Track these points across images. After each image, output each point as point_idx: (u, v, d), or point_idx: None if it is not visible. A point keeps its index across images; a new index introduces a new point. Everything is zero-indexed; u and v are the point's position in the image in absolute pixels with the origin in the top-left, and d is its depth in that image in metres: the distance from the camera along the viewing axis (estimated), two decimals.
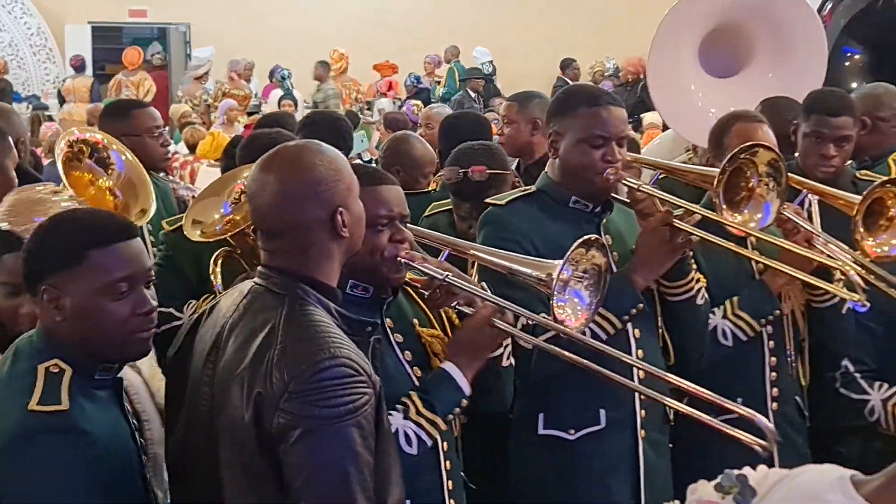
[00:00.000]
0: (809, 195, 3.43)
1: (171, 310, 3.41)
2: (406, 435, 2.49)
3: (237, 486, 2.10)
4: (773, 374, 3.27)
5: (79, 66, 15.19)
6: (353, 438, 2.03)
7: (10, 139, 3.48)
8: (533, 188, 3.10)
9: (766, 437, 2.47)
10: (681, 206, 2.97)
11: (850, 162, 3.97)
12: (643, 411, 2.99)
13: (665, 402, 2.77)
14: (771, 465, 1.92)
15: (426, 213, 3.86)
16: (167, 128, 5.25)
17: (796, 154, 3.83)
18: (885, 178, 3.26)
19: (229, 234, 3.21)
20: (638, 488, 2.98)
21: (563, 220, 2.96)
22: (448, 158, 3.77)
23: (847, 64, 5.59)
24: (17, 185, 3.27)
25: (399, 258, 2.51)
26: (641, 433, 2.99)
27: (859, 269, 3.07)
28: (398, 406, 2.51)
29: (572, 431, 2.96)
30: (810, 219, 3.32)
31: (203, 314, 2.36)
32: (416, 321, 2.68)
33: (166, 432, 2.42)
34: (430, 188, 4.34)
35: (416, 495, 2.42)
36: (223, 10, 16.34)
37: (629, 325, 2.96)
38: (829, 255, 3.11)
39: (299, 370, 2.02)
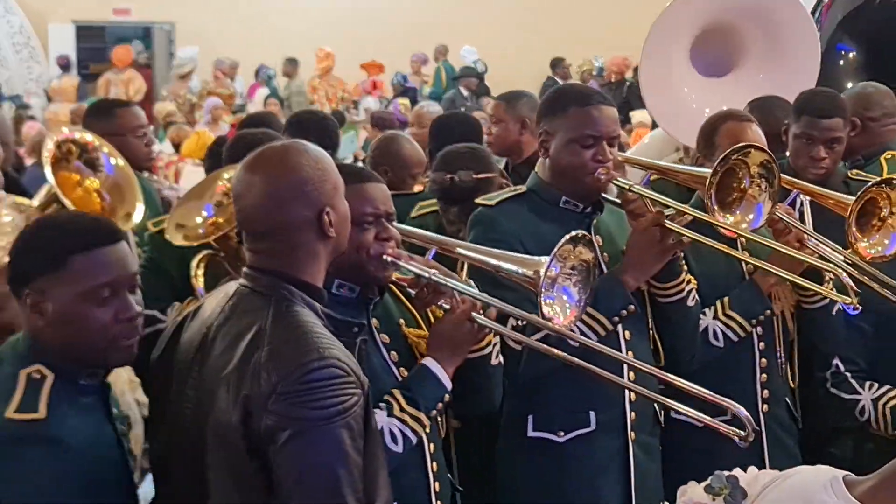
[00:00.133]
0: (801, 195, 3.42)
1: (154, 312, 3.38)
2: (391, 433, 2.48)
3: (224, 489, 2.08)
4: (764, 375, 3.27)
5: (65, 66, 15.13)
6: (343, 439, 2.02)
7: None
8: (523, 188, 3.09)
9: (745, 427, 2.50)
10: (672, 207, 2.96)
11: (841, 162, 3.96)
12: (633, 413, 2.98)
13: (652, 398, 2.78)
14: (761, 463, 1.92)
15: (413, 214, 3.84)
16: (151, 127, 5.21)
17: (787, 153, 3.82)
18: (878, 179, 3.25)
19: (212, 237, 3.18)
20: (628, 491, 2.97)
21: (554, 220, 2.95)
22: (434, 162, 3.75)
23: (841, 63, 5.58)
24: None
25: (385, 256, 2.50)
26: (631, 435, 2.98)
27: (851, 269, 3.07)
28: (381, 404, 2.50)
29: (562, 433, 2.95)
30: (802, 219, 3.32)
31: (187, 316, 2.34)
32: (402, 322, 2.67)
33: (150, 435, 2.39)
34: (419, 190, 4.31)
35: (402, 497, 2.40)
36: (208, 8, 16.31)
37: (619, 327, 2.95)
38: (819, 256, 3.11)
39: (288, 371, 2.01)
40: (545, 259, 2.55)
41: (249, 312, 2.14)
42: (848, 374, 3.35)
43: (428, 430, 2.56)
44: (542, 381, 2.90)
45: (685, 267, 3.09)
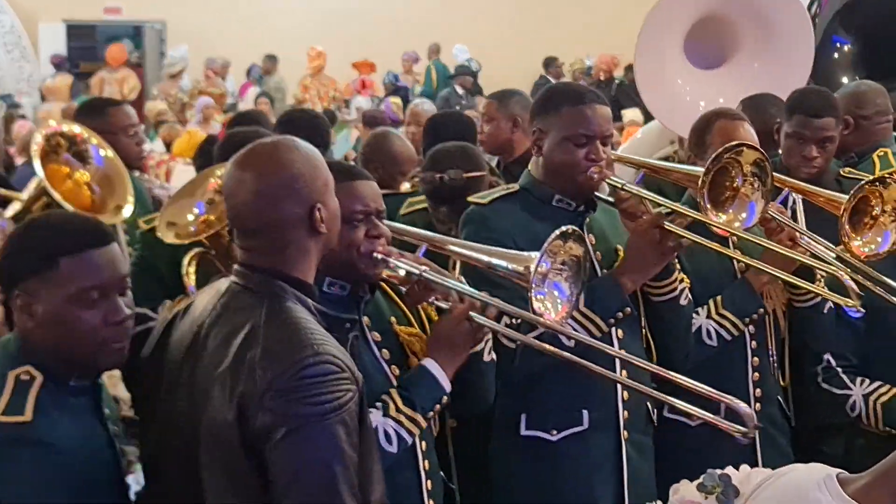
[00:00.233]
0: (793, 193, 3.42)
1: (145, 310, 3.36)
2: (385, 433, 2.47)
3: (219, 487, 2.08)
4: (756, 374, 3.27)
5: (59, 64, 15.07)
6: (339, 436, 2.02)
7: None
8: (516, 186, 3.09)
9: (746, 424, 2.48)
10: (665, 206, 2.95)
11: (834, 160, 3.96)
12: (626, 412, 2.98)
13: (650, 394, 2.79)
14: (754, 461, 1.91)
15: (402, 212, 3.83)
16: (142, 126, 5.21)
17: (780, 151, 3.82)
18: (871, 178, 3.25)
19: (204, 235, 3.17)
20: (621, 490, 2.97)
21: (547, 218, 2.94)
22: (424, 162, 3.75)
23: (836, 56, 5.57)
24: None
25: (375, 254, 2.50)
26: (624, 434, 2.98)
27: (843, 266, 3.07)
28: (377, 403, 2.49)
29: (555, 432, 2.94)
30: (795, 217, 3.32)
31: (177, 314, 2.33)
32: (393, 319, 2.66)
33: (141, 433, 2.38)
34: (411, 190, 4.30)
35: (394, 495, 2.39)
36: (199, 7, 16.27)
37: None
38: (812, 255, 3.11)
39: (283, 368, 2.01)
40: (535, 255, 2.55)
41: (242, 310, 2.14)
42: (839, 370, 3.34)
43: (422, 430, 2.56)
44: (535, 379, 2.90)
45: (678, 265, 3.08)
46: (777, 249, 3.06)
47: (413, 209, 3.83)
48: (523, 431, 2.96)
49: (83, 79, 15.00)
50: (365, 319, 2.58)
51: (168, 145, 10.41)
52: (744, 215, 2.99)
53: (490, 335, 2.69)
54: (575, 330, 2.81)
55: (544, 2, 16.39)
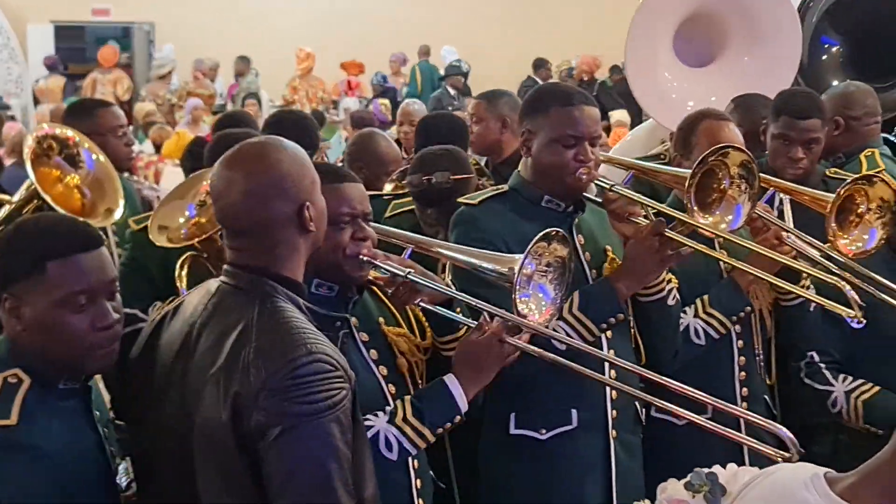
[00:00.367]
0: (779, 193, 3.43)
1: (135, 311, 3.36)
2: (386, 439, 2.48)
3: (213, 488, 2.08)
4: (743, 373, 3.28)
5: (52, 66, 15.01)
6: (333, 434, 2.02)
7: None
8: (505, 187, 3.09)
9: (789, 449, 2.46)
10: (652, 207, 2.96)
11: (822, 161, 3.97)
12: (614, 412, 2.98)
13: (639, 397, 2.78)
14: (741, 460, 1.91)
15: (388, 214, 3.84)
16: (131, 127, 5.20)
17: (766, 152, 3.83)
18: (857, 176, 3.27)
19: (196, 239, 3.16)
20: (609, 488, 2.98)
21: (536, 219, 2.94)
22: (411, 164, 3.75)
23: (825, 57, 5.57)
24: None
25: (361, 256, 2.50)
26: (613, 433, 2.98)
27: (829, 264, 3.07)
28: (386, 407, 2.50)
29: (544, 431, 2.95)
30: (782, 217, 3.33)
31: (167, 315, 2.32)
32: (381, 320, 2.67)
33: (131, 435, 2.37)
34: (393, 191, 4.29)
35: (383, 495, 2.39)
36: (187, 8, 16.23)
37: None
38: (798, 254, 3.11)
39: (276, 367, 2.01)
40: (519, 257, 2.56)
41: (234, 310, 2.14)
42: (822, 366, 3.35)
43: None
44: (524, 379, 2.89)
45: None
46: (763, 252, 3.05)
47: (399, 211, 3.84)
48: (512, 430, 2.96)
49: (72, 80, 14.95)
50: (353, 320, 2.58)
51: (158, 147, 10.38)
52: (730, 217, 2.99)
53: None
54: (567, 334, 2.82)
55: (533, 4, 16.40)
